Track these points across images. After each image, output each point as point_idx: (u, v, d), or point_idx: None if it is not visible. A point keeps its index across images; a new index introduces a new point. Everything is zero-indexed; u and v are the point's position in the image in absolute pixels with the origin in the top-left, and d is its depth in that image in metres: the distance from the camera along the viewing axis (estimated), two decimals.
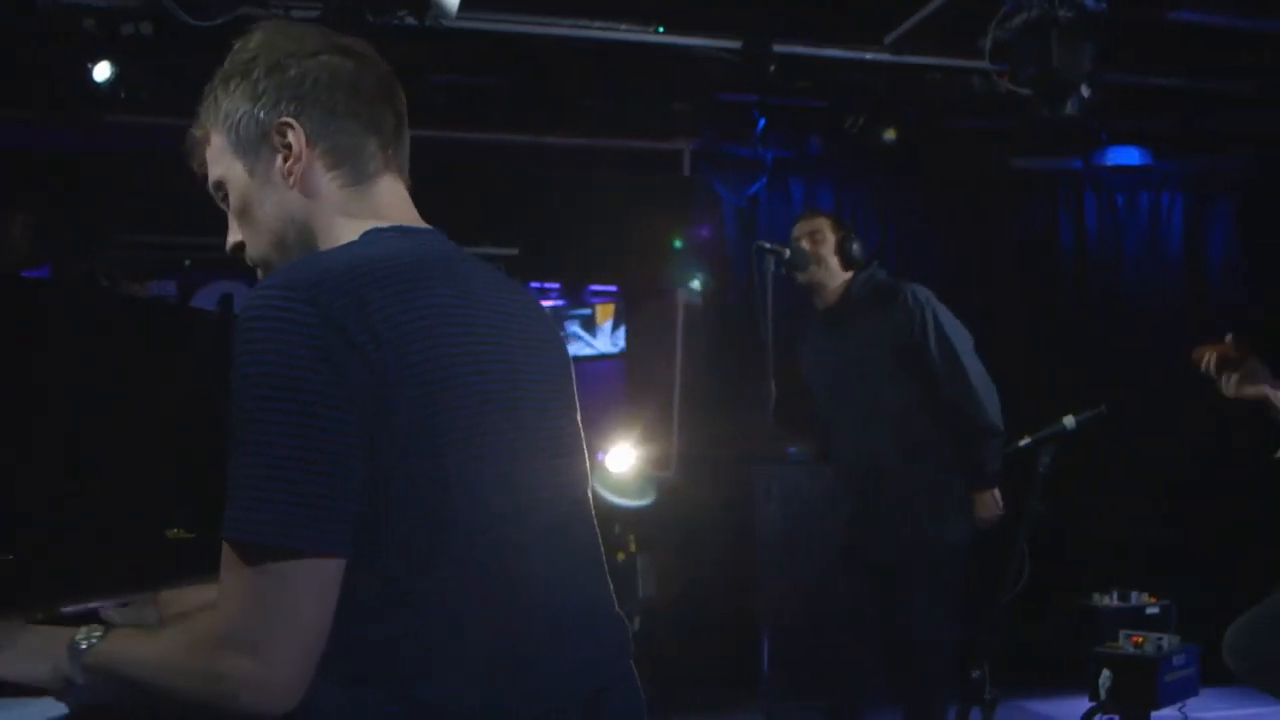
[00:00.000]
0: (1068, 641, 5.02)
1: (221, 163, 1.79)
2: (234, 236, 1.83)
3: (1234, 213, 7.56)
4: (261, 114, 1.75)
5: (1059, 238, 7.58)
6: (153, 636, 1.66)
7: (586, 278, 7.39)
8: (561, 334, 1.92)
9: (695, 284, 7.12)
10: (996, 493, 4.68)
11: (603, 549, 1.88)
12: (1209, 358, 3.50)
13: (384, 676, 1.54)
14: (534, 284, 7.71)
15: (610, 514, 5.89)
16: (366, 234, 1.72)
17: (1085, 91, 5.12)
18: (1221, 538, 6.23)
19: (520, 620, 1.62)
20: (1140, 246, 7.58)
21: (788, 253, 4.77)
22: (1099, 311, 7.49)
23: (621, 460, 5.79)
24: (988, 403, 4.67)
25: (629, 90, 6.29)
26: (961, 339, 4.76)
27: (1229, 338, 3.49)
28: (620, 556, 5.65)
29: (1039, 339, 7.40)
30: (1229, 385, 3.48)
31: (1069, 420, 3.60)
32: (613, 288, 7.34)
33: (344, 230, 1.74)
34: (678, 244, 7.26)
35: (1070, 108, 5.31)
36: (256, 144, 1.75)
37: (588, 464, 1.88)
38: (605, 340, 7.56)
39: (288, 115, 1.74)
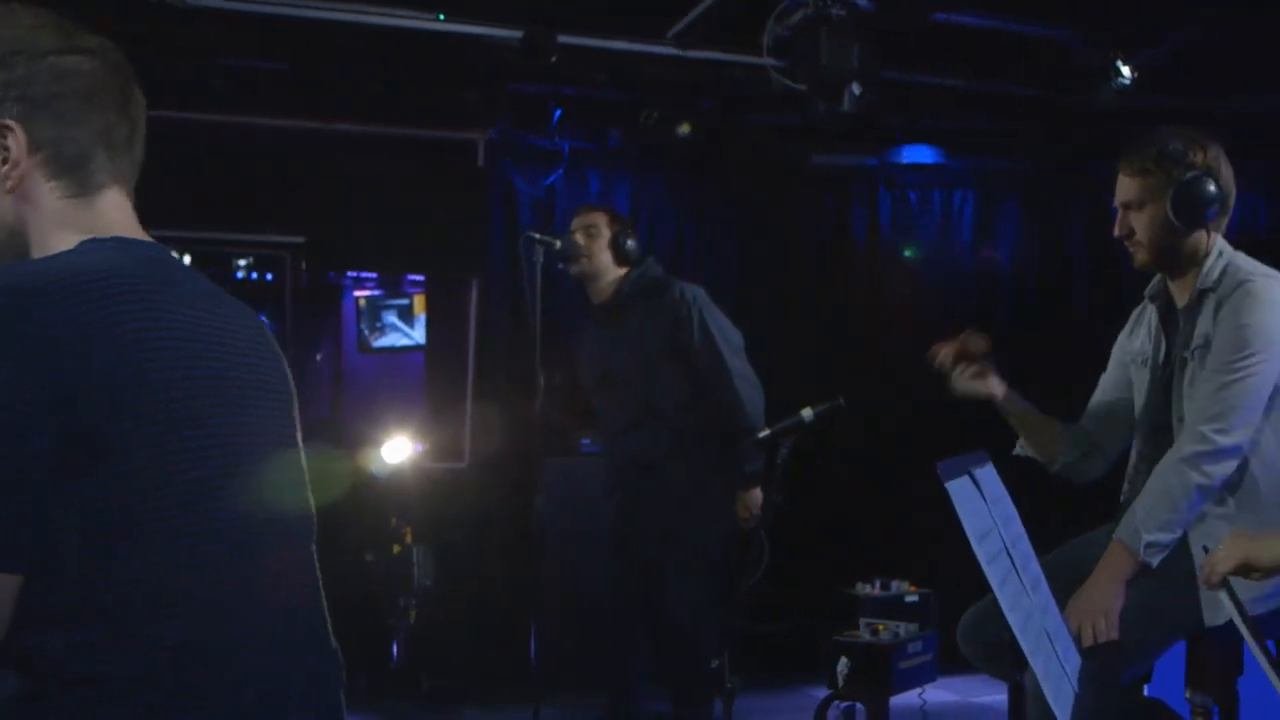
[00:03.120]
0: (829, 630, 5.09)
1: None
2: None
3: (1021, 211, 7.79)
4: None
5: (853, 233, 7.72)
6: None
7: (387, 267, 7.33)
8: (280, 352, 1.86)
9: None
10: (758, 492, 4.74)
11: (318, 575, 1.82)
12: (945, 353, 3.56)
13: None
14: (350, 273, 7.64)
15: (386, 506, 5.85)
16: (81, 244, 1.65)
17: (856, 89, 5.22)
18: None
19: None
20: (932, 242, 7.76)
21: (558, 244, 4.79)
22: (892, 305, 7.64)
23: (397, 451, 5.74)
24: (750, 403, 4.74)
25: (418, 78, 6.21)
26: (728, 339, 4.82)
27: (967, 332, 3.56)
28: (396, 549, 5.62)
29: (833, 332, 7.53)
30: (961, 379, 3.55)
31: (807, 412, 3.62)
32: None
33: (59, 243, 1.66)
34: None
35: (846, 105, 5.41)
36: None
37: (307, 488, 1.83)
38: (422, 330, 7.52)
39: (9, 118, 1.65)
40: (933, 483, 2.33)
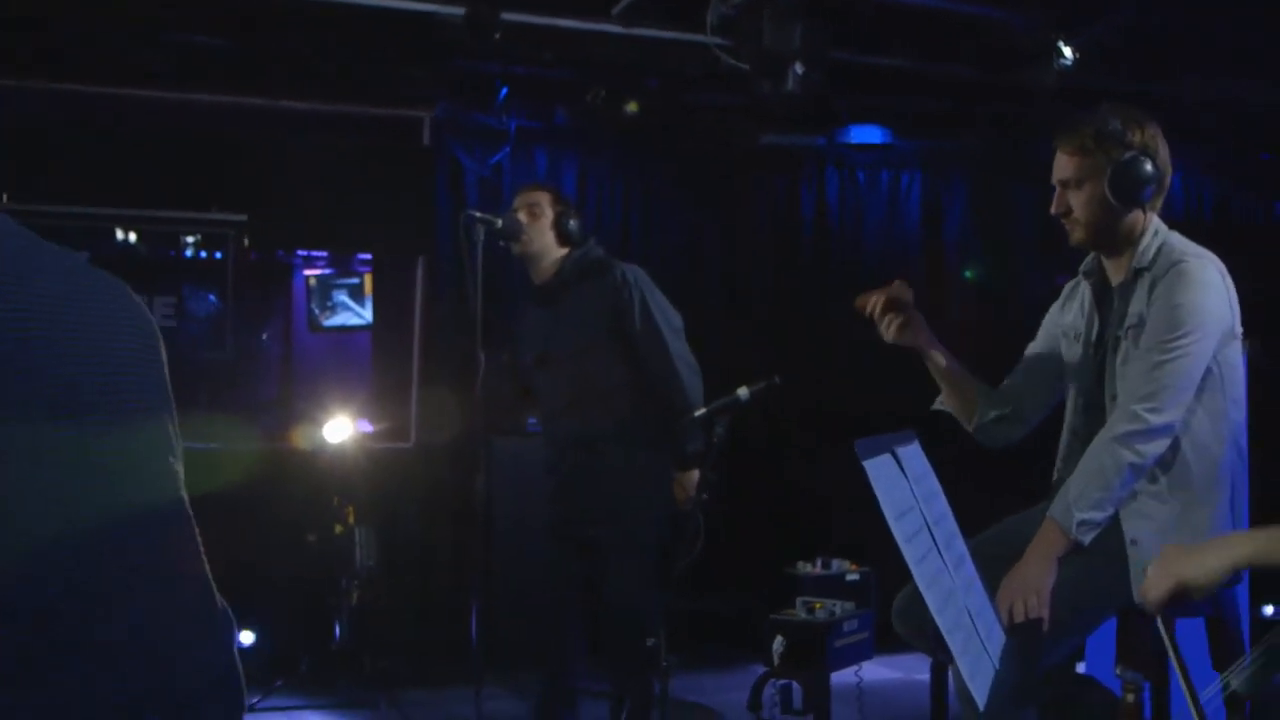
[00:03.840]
0: (770, 609, 5.10)
1: None
2: None
3: (968, 191, 7.82)
4: None
5: (801, 212, 7.73)
6: None
7: (332, 246, 7.28)
8: (152, 323, 1.79)
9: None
10: (696, 472, 4.72)
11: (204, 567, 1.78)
12: (875, 301, 3.53)
13: None
14: (301, 252, 7.58)
15: (328, 486, 5.81)
16: None
17: (799, 69, 5.21)
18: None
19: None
20: (880, 222, 7.79)
21: (499, 223, 4.74)
22: (839, 285, 7.66)
23: (339, 431, 5.71)
24: (689, 384, 4.73)
25: (362, 55, 6.15)
26: (669, 321, 4.80)
27: (896, 282, 3.54)
28: (339, 530, 5.59)
29: (780, 312, 7.54)
30: (889, 330, 3.52)
31: (743, 391, 3.62)
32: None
33: None
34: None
35: (790, 85, 5.40)
36: None
37: (172, 460, 1.78)
38: (372, 310, 7.49)
39: None
40: None
